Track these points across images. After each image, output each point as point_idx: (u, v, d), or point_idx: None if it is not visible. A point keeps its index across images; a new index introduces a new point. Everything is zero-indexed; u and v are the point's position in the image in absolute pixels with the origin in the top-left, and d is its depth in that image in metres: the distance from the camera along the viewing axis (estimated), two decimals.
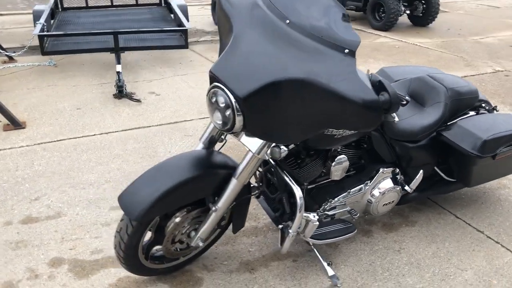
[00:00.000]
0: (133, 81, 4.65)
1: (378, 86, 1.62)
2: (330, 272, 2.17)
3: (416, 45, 6.51)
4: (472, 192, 2.85)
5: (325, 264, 2.19)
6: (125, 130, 3.60)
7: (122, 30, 4.84)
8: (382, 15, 7.29)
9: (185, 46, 5.12)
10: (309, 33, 1.65)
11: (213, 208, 1.93)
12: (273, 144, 1.81)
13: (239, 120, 1.65)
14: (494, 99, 4.38)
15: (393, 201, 2.33)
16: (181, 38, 5.33)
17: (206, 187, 1.89)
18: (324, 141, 1.86)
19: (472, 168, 2.34)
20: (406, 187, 2.33)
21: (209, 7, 8.37)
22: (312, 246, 2.25)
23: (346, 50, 1.60)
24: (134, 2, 6.85)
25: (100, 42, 5.01)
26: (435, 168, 2.47)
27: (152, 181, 1.82)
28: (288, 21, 1.70)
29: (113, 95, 4.25)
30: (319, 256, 2.20)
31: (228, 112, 1.67)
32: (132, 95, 4.26)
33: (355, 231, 2.21)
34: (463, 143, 2.25)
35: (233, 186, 1.89)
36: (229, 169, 1.91)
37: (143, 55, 5.49)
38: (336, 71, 1.58)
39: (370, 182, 2.23)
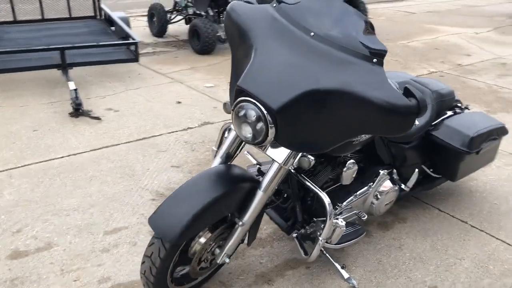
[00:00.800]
0: (85, 97, 4.44)
1: (405, 92, 1.71)
2: (346, 275, 2.23)
3: None
4: (447, 186, 3.06)
5: (339, 267, 2.24)
6: (94, 150, 3.43)
7: (68, 45, 4.60)
8: None
9: (135, 59, 4.98)
10: (335, 44, 1.70)
11: (240, 223, 1.91)
12: (301, 154, 1.83)
13: (271, 132, 1.67)
14: None
15: (392, 201, 2.44)
16: (128, 52, 5.17)
17: (232, 203, 1.87)
18: (343, 148, 1.92)
19: (459, 164, 2.52)
20: (403, 186, 2.46)
21: (143, 18, 8.18)
22: (325, 252, 2.29)
23: (375, 60, 1.67)
24: (67, 16, 6.51)
25: (44, 59, 4.71)
26: (422, 166, 2.63)
27: (182, 202, 1.77)
28: (312, 34, 1.74)
29: (69, 113, 4.02)
30: (332, 261, 2.25)
31: (259, 125, 1.67)
32: (90, 113, 4.06)
33: (365, 232, 2.30)
34: (453, 141, 2.42)
35: (259, 199, 1.89)
36: (252, 182, 1.91)
37: (87, 70, 5.25)
38: (368, 80, 1.64)
39: (373, 184, 2.32)
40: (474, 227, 2.68)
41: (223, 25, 6.55)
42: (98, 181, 3.00)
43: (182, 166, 3.24)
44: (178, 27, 7.57)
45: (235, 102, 1.75)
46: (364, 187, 2.32)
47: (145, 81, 5.08)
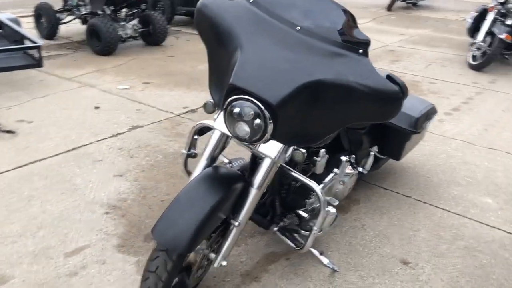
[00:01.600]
0: None
1: (389, 80, 1.82)
2: (325, 260, 2.31)
3: None
4: (383, 166, 3.31)
5: (317, 254, 2.33)
6: (20, 167, 3.09)
7: None
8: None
9: (38, 64, 4.56)
10: (322, 37, 1.75)
11: (236, 224, 1.88)
12: (293, 148, 1.86)
13: (270, 129, 1.68)
14: None
15: (354, 184, 2.58)
16: (26, 56, 4.71)
17: (228, 206, 1.84)
18: (329, 137, 1.98)
19: (405, 144, 2.75)
20: (362, 170, 2.62)
21: (26, 19, 7.47)
22: (302, 240, 2.34)
23: (360, 51, 1.75)
24: None
25: None
26: (370, 149, 2.82)
27: (185, 211, 1.69)
28: (298, 28, 1.77)
29: None
30: (311, 248, 2.31)
31: (257, 122, 1.67)
32: (0, 127, 3.64)
33: (338, 216, 2.40)
34: (401, 123, 2.63)
35: (253, 197, 1.88)
36: (242, 181, 1.89)
37: None
38: (357, 70, 1.71)
39: (338, 171, 2.43)
40: (418, 200, 2.94)
41: (122, 23, 6.27)
42: (37, 200, 2.72)
43: (125, 174, 3.07)
44: (69, 27, 7.06)
45: (228, 101, 1.71)
46: (331, 174, 2.42)
47: (52, 87, 4.68)
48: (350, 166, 2.53)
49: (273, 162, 1.85)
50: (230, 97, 1.71)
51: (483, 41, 5.87)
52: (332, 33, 1.76)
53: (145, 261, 1.79)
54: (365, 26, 8.43)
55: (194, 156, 2.34)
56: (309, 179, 1.98)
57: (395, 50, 6.79)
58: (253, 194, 1.87)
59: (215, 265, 1.93)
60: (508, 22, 5.71)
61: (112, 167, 3.15)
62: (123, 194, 2.84)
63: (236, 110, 1.69)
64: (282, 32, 1.78)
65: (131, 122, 3.90)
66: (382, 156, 2.90)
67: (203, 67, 5.69)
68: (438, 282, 2.24)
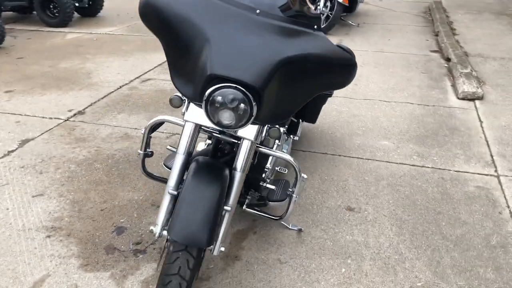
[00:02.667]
0: None
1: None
2: (288, 223, 2.51)
3: (110, 34, 6.66)
4: None
5: (277, 219, 2.50)
6: None
7: None
8: (55, 11, 6.96)
9: None
10: (281, 18, 1.86)
11: (228, 209, 1.94)
12: (268, 126, 1.97)
13: (254, 112, 1.77)
14: None
15: (290, 151, 2.80)
16: None
17: (224, 194, 1.88)
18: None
19: (321, 107, 3.04)
20: (294, 137, 2.84)
21: None
22: (260, 213, 2.47)
23: (315, 26, 1.92)
24: None
25: None
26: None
27: (196, 208, 1.69)
28: (258, 11, 1.86)
29: None
30: (268, 216, 2.44)
31: (242, 107, 1.74)
32: None
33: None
34: None
35: (239, 179, 1.95)
36: (228, 168, 1.94)
37: None
38: (318, 44, 1.88)
39: (279, 142, 2.62)
40: (334, 155, 3.29)
41: None
42: None
43: (45, 192, 2.81)
44: None
45: (209, 91, 1.73)
46: (274, 146, 2.58)
47: None
48: (286, 135, 2.73)
49: (252, 144, 1.94)
50: (210, 87, 1.74)
51: (325, 6, 6.50)
52: (288, 13, 1.88)
53: (120, 273, 1.75)
54: None
55: (150, 155, 2.29)
56: (283, 153, 2.12)
57: None
58: (238, 177, 1.94)
59: (215, 253, 1.96)
60: None
61: (24, 188, 2.84)
62: (55, 213, 2.62)
63: (219, 98, 1.73)
64: (243, 17, 1.84)
65: (17, 136, 3.50)
66: (297, 120, 3.15)
67: (65, 64, 5.27)
68: (383, 218, 2.60)
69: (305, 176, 2.19)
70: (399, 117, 3.91)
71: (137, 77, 4.79)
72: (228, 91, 1.72)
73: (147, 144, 2.22)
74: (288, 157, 2.10)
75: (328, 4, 6.32)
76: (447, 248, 2.37)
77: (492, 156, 3.27)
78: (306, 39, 1.86)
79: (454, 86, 4.57)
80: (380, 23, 7.38)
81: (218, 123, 1.79)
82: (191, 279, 1.73)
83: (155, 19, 1.91)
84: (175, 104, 1.96)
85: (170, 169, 2.39)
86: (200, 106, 1.89)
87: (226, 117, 1.77)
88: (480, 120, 3.83)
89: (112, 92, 4.40)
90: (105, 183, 2.91)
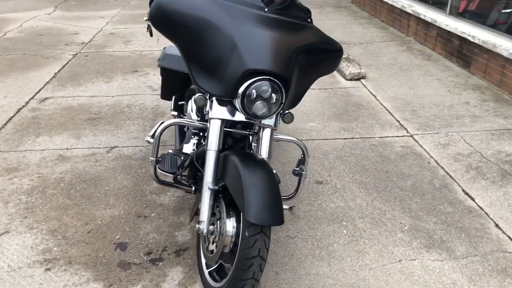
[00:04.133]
0: None
1: None
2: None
3: None
4: None
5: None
6: None
7: None
8: None
9: None
10: (285, 14, 2.07)
11: None
12: (281, 113, 2.17)
13: (284, 100, 1.98)
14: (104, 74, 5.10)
15: None
16: None
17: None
18: None
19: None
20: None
21: None
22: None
23: (309, 20, 2.18)
24: None
25: None
26: None
27: (262, 192, 1.78)
28: (266, 9, 2.05)
29: None
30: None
31: (274, 97, 1.93)
32: None
33: None
34: None
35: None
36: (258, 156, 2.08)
37: None
38: (316, 35, 2.14)
39: None
40: (278, 141, 3.57)
41: None
42: None
43: (10, 229, 2.55)
44: None
45: (245, 85, 1.87)
46: None
47: None
48: None
49: (272, 131, 2.12)
50: (244, 81, 1.88)
51: None
52: (289, 9, 2.11)
53: (151, 283, 1.87)
54: (57, 15, 8.07)
55: (161, 161, 2.29)
56: (290, 137, 2.33)
57: (115, 33, 6.93)
58: (269, 164, 2.10)
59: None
60: None
61: None
62: (38, 246, 2.41)
63: (255, 91, 1.89)
64: (255, 15, 2.00)
65: None
66: None
67: None
68: (349, 184, 3.00)
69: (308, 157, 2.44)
70: (310, 101, 4.37)
71: (31, 98, 4.40)
72: (262, 83, 1.89)
73: (158, 151, 2.22)
74: (295, 139, 2.33)
75: None
76: (408, 196, 2.86)
77: (398, 121, 3.92)
78: (308, 31, 2.11)
79: (338, 69, 5.22)
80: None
81: (253, 115, 1.94)
82: (267, 257, 1.86)
83: (172, 25, 1.96)
84: (201, 103, 2.03)
85: (169, 173, 2.42)
86: (226, 102, 2.00)
87: (260, 107, 1.93)
88: (373, 95, 4.51)
89: (13, 117, 4.00)
90: (73, 207, 2.74)
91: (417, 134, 3.68)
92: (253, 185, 1.82)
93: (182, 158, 2.37)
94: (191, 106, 2.55)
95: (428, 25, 5.98)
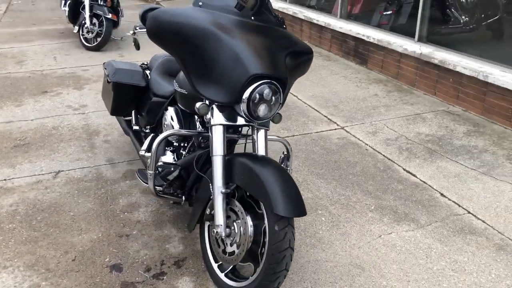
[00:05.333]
0: None
1: None
2: None
3: None
4: None
5: None
6: None
7: None
8: None
9: None
10: (267, 21, 2.22)
11: None
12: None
13: (282, 101, 2.13)
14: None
15: None
16: None
17: None
18: None
19: None
20: None
21: None
22: None
23: (284, 26, 2.35)
24: None
25: None
26: None
27: (283, 186, 1.90)
28: (252, 18, 2.17)
29: None
30: None
31: (275, 99, 2.08)
32: None
33: None
34: None
35: None
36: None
37: None
38: (294, 38, 2.31)
39: None
40: None
41: None
42: None
43: None
44: None
45: (251, 89, 1.98)
46: None
47: None
48: None
49: (266, 131, 2.24)
50: (249, 86, 1.99)
51: (92, 24, 6.47)
52: (268, 17, 2.25)
53: None
54: None
55: (158, 173, 2.28)
56: (276, 136, 2.47)
57: (2, 53, 6.37)
58: None
59: None
60: (101, 3, 6.48)
61: None
62: (22, 284, 2.23)
63: (258, 95, 2.01)
64: (244, 23, 2.12)
65: None
66: None
67: None
68: (308, 177, 3.22)
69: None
70: None
71: None
72: (264, 87, 2.01)
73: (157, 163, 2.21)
74: (279, 138, 2.47)
75: (96, 21, 6.35)
76: (362, 180, 3.18)
77: (326, 117, 4.27)
78: (287, 36, 2.27)
79: None
80: None
81: (256, 117, 2.05)
82: None
83: (170, 36, 2.00)
84: (203, 112, 2.08)
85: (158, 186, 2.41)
86: (226, 108, 2.08)
87: (263, 109, 2.06)
88: (294, 95, 4.82)
89: None
90: (43, 237, 2.56)
91: (347, 126, 4.05)
92: (273, 181, 1.93)
93: (172, 169, 2.37)
94: (170, 116, 2.54)
95: (321, 28, 6.52)
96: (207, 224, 2.29)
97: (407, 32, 5.18)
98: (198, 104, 2.07)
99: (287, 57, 2.17)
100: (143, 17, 2.18)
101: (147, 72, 3.09)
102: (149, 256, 2.43)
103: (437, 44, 4.82)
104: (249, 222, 2.02)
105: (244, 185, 2.01)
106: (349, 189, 3.07)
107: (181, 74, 2.41)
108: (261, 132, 2.20)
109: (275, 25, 2.23)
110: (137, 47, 2.51)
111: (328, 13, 6.52)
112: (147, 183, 2.51)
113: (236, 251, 2.05)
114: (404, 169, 3.33)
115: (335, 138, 3.82)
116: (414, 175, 3.25)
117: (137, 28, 2.43)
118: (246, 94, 2.00)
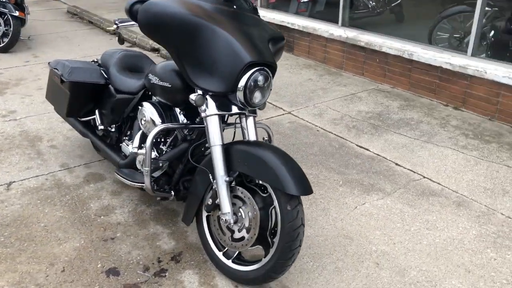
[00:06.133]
0: None
1: None
2: None
3: None
4: None
5: None
6: None
7: None
8: None
9: None
10: (246, 9, 2.27)
11: None
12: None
13: (272, 86, 2.21)
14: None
15: None
16: None
17: None
18: None
19: None
20: None
21: None
22: None
23: (258, 13, 2.41)
24: None
25: None
26: None
27: (289, 167, 1.95)
28: (235, 6, 2.21)
29: None
30: None
31: (268, 84, 2.15)
32: None
33: None
34: None
35: None
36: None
37: None
38: (268, 26, 2.37)
39: None
40: None
41: None
42: None
43: None
44: None
45: (247, 76, 2.02)
46: None
47: None
48: None
49: (255, 118, 2.30)
50: (245, 73, 2.03)
51: None
52: (245, 6, 2.30)
53: None
54: None
55: (157, 169, 2.26)
56: (261, 123, 2.53)
57: None
58: None
59: None
60: None
61: None
62: None
63: (253, 82, 2.06)
64: (227, 12, 2.16)
65: None
66: None
67: None
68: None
69: None
70: None
71: None
72: (258, 73, 2.07)
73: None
74: (263, 125, 2.53)
75: (1, 20, 5.89)
76: (324, 159, 3.36)
77: (271, 103, 4.39)
78: (264, 23, 2.35)
79: None
80: (50, 32, 7.23)
81: (252, 104, 2.10)
82: None
83: (162, 29, 1.98)
84: (200, 103, 2.07)
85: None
86: (219, 98, 2.09)
87: (258, 96, 2.12)
88: None
89: None
90: (19, 253, 2.39)
91: (293, 110, 4.22)
92: (279, 162, 1.99)
93: (160, 164, 2.34)
94: (149, 112, 2.47)
95: None
96: (204, 215, 2.29)
97: (329, 18, 5.46)
98: (193, 96, 2.07)
99: (269, 44, 2.23)
100: (130, 10, 2.11)
101: (102, 69, 2.96)
102: (143, 256, 2.38)
103: (358, 28, 5.16)
104: (256, 205, 2.07)
105: (248, 171, 2.05)
106: (314, 168, 3.23)
107: (160, 66, 2.37)
108: (250, 119, 2.24)
109: (254, 14, 2.28)
110: (121, 41, 2.40)
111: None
112: (132, 181, 2.45)
113: (246, 235, 2.10)
114: (357, 145, 3.57)
115: (286, 123, 3.96)
116: (367, 149, 3.50)
117: (117, 22, 2.33)
118: (242, 82, 2.03)
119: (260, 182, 2.09)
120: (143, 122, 2.49)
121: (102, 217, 2.68)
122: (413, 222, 2.64)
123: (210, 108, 2.10)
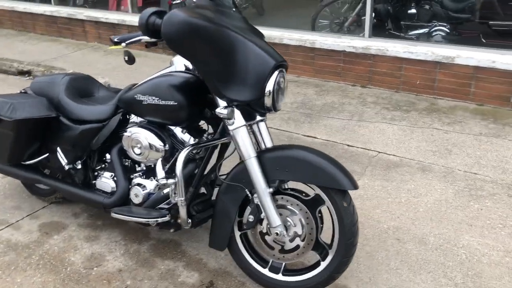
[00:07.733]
0: None
1: None
2: None
3: None
4: None
5: None
6: None
7: None
8: None
9: None
10: (239, 11, 2.17)
11: None
12: None
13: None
14: None
15: None
16: None
17: None
18: None
19: None
20: None
21: None
22: None
23: (243, 15, 2.30)
24: None
25: None
26: None
27: (331, 166, 1.94)
28: (234, 10, 2.10)
29: None
30: None
31: (286, 85, 2.09)
32: None
33: None
34: None
35: None
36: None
37: None
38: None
39: None
40: None
41: None
42: None
43: None
44: None
45: (273, 78, 1.92)
46: None
47: None
48: None
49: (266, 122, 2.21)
50: (271, 76, 1.93)
51: None
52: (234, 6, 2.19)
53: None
54: None
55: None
56: None
57: None
58: None
59: None
60: None
61: None
62: None
63: (277, 85, 1.98)
64: (230, 14, 2.05)
65: None
66: None
67: None
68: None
69: None
70: None
71: None
72: (278, 75, 1.99)
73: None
74: None
75: None
76: None
77: None
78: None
79: None
80: None
81: (278, 107, 2.02)
82: None
83: (191, 41, 1.80)
84: (231, 115, 1.93)
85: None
86: (243, 108, 1.97)
87: (281, 98, 2.05)
88: None
89: None
90: (14, 272, 1.94)
91: None
92: (325, 162, 1.97)
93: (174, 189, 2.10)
94: (145, 138, 2.17)
95: (115, 26, 6.21)
96: (237, 234, 2.14)
97: None
98: (222, 110, 1.91)
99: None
100: (147, 23, 1.83)
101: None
102: (163, 273, 2.12)
103: None
104: (308, 210, 2.00)
105: (292, 177, 1.98)
106: None
107: (153, 85, 2.12)
108: (262, 125, 2.16)
109: (239, 12, 2.19)
110: (132, 60, 2.03)
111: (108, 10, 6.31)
112: (150, 218, 2.15)
113: (302, 243, 2.02)
114: (303, 135, 3.66)
115: None
116: (315, 137, 3.61)
117: (116, 39, 1.98)
118: (269, 87, 1.93)
119: (308, 185, 2.02)
120: (136, 150, 2.20)
121: (95, 268, 2.31)
122: (399, 194, 2.84)
123: (238, 120, 1.96)
